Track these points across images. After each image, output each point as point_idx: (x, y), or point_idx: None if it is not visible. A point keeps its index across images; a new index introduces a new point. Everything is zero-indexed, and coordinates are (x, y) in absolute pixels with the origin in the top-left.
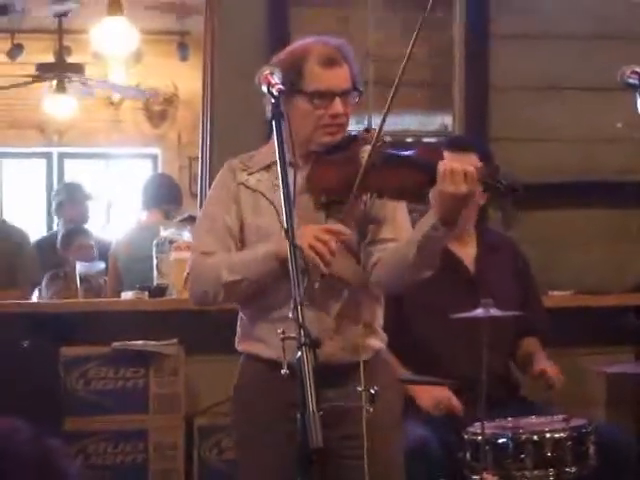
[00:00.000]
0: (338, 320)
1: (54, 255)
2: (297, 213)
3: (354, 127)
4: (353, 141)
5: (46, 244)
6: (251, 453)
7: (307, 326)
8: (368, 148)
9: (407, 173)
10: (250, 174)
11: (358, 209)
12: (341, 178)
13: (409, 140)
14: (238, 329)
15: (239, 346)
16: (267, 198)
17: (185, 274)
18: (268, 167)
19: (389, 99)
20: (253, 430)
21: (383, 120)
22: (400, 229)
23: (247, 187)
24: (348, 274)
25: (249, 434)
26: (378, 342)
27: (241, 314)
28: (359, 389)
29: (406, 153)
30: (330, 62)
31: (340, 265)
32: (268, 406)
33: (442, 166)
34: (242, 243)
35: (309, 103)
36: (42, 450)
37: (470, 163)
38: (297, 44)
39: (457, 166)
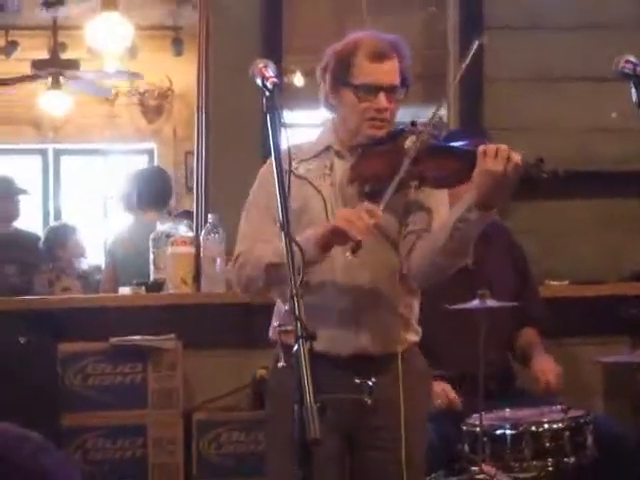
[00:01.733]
0: (375, 312)
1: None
2: (342, 204)
3: None
4: (400, 135)
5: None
6: (279, 433)
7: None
8: (412, 138)
9: (448, 161)
10: (299, 162)
11: (400, 199)
12: (385, 167)
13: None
14: (274, 317)
15: (272, 334)
16: (314, 186)
17: (232, 261)
18: (318, 155)
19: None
20: (280, 414)
21: (434, 114)
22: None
23: (296, 175)
24: (383, 262)
25: (276, 417)
26: (413, 335)
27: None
28: (357, 381)
29: (450, 144)
30: (379, 56)
31: (376, 252)
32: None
33: (485, 146)
34: None
35: (355, 96)
36: (46, 464)
37: None
38: (350, 37)
39: (502, 146)
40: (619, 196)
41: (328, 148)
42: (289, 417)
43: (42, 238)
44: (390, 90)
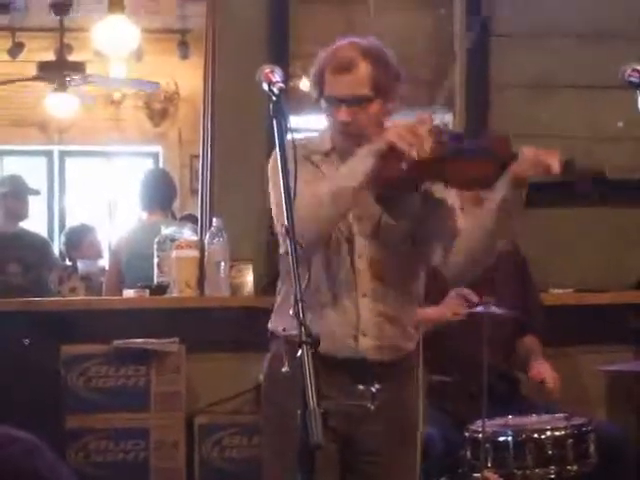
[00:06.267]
0: (379, 319)
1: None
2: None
3: None
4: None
5: None
6: (277, 435)
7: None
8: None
9: (479, 164)
10: (312, 153)
11: (413, 199)
12: (405, 171)
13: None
14: (274, 313)
15: (272, 326)
16: None
17: (282, 226)
18: (327, 154)
19: None
20: (280, 416)
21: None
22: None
23: (313, 163)
24: (395, 269)
25: (276, 418)
26: (411, 344)
27: (280, 296)
28: (360, 387)
29: (474, 145)
30: (339, 69)
31: (389, 259)
32: (291, 391)
33: (529, 152)
34: None
35: (327, 107)
36: (38, 465)
37: None
38: (333, 45)
39: (543, 154)
40: (624, 204)
41: (334, 149)
42: (289, 423)
43: (63, 238)
44: (353, 102)
